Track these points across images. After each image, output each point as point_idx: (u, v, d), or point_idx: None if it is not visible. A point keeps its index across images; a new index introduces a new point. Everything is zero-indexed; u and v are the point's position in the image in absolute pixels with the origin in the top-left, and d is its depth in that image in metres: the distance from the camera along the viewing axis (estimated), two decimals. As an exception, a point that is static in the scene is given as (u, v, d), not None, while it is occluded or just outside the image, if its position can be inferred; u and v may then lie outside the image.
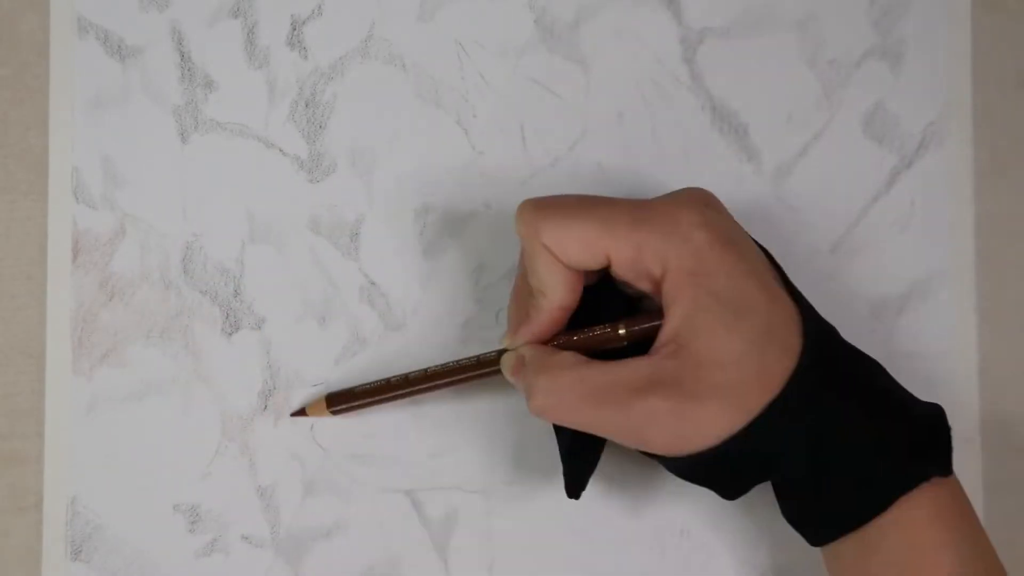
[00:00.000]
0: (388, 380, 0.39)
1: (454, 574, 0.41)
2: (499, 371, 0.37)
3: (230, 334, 0.41)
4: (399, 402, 0.40)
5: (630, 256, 0.34)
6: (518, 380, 0.36)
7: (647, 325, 0.35)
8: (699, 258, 0.33)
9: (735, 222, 0.35)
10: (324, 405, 0.40)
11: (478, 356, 0.38)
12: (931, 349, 0.41)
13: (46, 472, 0.41)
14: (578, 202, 0.35)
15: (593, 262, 0.34)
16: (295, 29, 0.42)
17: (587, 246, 0.34)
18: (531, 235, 0.35)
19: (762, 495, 0.36)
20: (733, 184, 0.42)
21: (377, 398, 0.39)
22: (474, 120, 0.42)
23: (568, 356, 0.34)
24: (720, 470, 0.34)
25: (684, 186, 0.37)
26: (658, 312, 0.34)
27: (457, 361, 0.38)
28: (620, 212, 0.34)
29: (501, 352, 0.37)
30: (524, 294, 0.37)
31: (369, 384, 0.40)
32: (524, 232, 0.35)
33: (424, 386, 0.39)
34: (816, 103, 0.42)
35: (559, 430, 0.37)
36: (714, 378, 0.32)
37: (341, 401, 0.40)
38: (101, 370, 0.41)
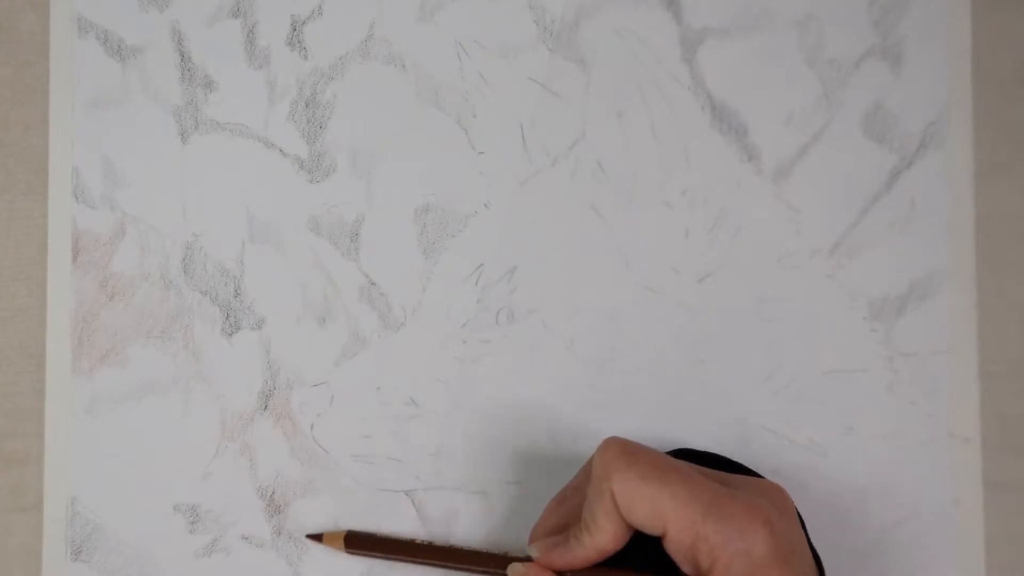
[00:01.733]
0: (412, 541, 0.39)
1: (454, 574, 0.41)
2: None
3: (230, 334, 0.41)
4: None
5: (686, 542, 0.33)
6: None
7: None
8: (750, 574, 0.32)
9: (801, 535, 0.34)
10: (342, 540, 0.40)
11: (506, 552, 0.37)
12: (931, 349, 0.41)
13: (46, 472, 0.41)
14: (659, 465, 0.34)
15: (651, 529, 0.34)
16: (295, 29, 0.42)
17: (652, 515, 0.33)
18: (604, 477, 0.34)
19: None
20: (733, 184, 0.42)
21: (395, 556, 0.39)
22: (474, 120, 0.42)
23: None
24: None
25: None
26: None
27: (487, 551, 0.38)
28: (693, 494, 0.33)
29: (526, 558, 0.36)
30: (569, 506, 0.36)
31: (391, 537, 0.40)
32: (599, 472, 0.34)
33: (442, 563, 0.38)
34: (816, 103, 0.42)
35: None
36: None
37: (360, 544, 0.40)
38: (101, 370, 0.41)
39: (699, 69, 0.42)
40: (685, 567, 0.33)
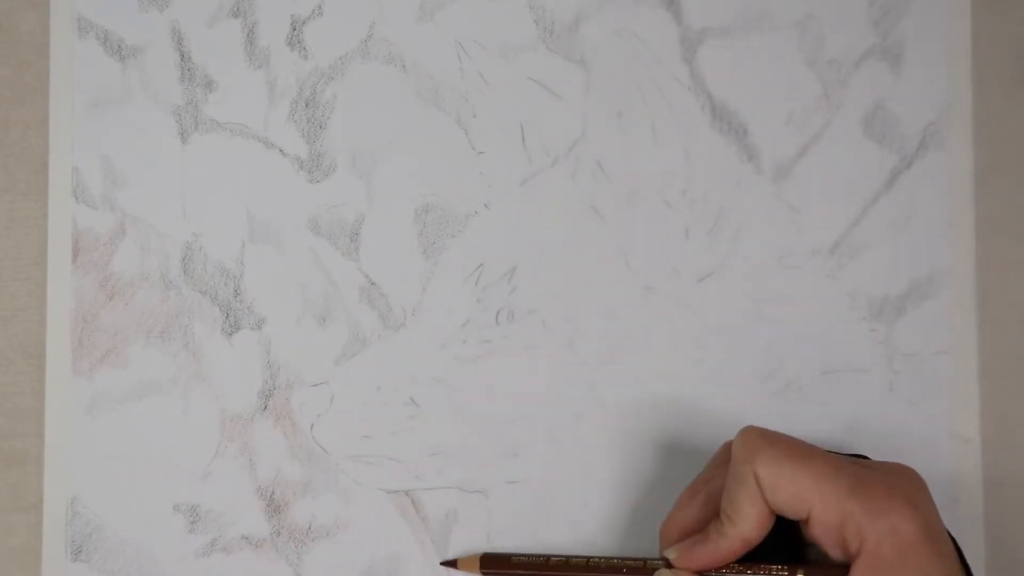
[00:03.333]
0: (548, 559, 0.39)
1: (455, 574, 0.41)
2: None
3: (230, 334, 0.41)
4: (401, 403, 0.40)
5: (832, 522, 0.33)
6: None
7: None
8: (900, 551, 0.32)
9: (938, 514, 0.34)
10: (477, 563, 0.39)
11: (644, 559, 0.37)
12: (931, 349, 0.41)
13: (46, 472, 0.41)
14: (800, 447, 0.34)
15: (795, 512, 0.33)
16: (295, 29, 0.42)
17: (796, 496, 0.33)
18: (747, 460, 0.34)
19: None
20: (733, 184, 0.42)
21: (532, 573, 0.39)
22: (474, 120, 0.42)
23: None
24: None
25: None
26: (840, 571, 0.33)
27: (622, 559, 0.37)
28: (836, 474, 0.33)
29: (665, 561, 0.36)
30: (697, 499, 0.36)
31: (527, 556, 0.39)
32: (741, 456, 0.34)
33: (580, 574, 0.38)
34: (816, 103, 0.42)
35: None
36: None
37: (496, 565, 0.39)
38: (101, 370, 0.41)
39: (699, 69, 0.42)
40: (831, 549, 0.33)
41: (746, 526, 0.34)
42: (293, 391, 0.41)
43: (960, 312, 0.42)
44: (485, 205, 0.42)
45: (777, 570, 0.34)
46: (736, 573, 0.35)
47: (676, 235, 0.42)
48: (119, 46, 0.42)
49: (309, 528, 0.41)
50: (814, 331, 0.41)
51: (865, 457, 0.37)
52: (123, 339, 0.41)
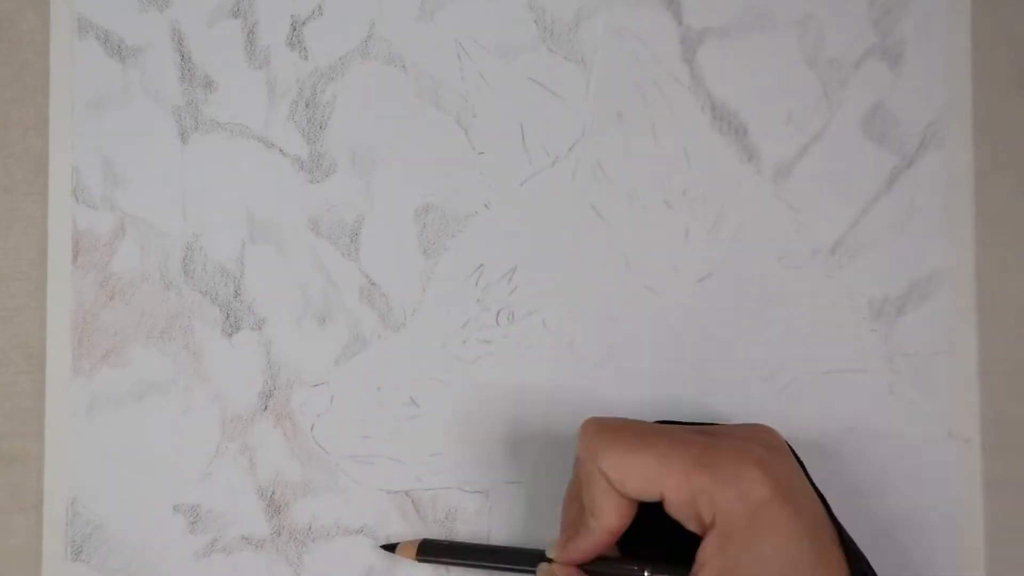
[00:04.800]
0: (484, 546, 0.40)
1: (454, 574, 0.41)
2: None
3: (230, 334, 0.41)
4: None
5: (685, 499, 0.33)
6: None
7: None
8: (753, 516, 0.32)
9: (797, 469, 0.34)
10: (414, 550, 0.40)
11: (533, 551, 0.38)
12: (931, 349, 0.41)
13: (46, 472, 0.41)
14: (641, 432, 0.34)
15: (649, 496, 0.34)
16: (295, 29, 0.42)
17: (644, 481, 0.33)
18: (590, 459, 0.34)
19: None
20: (733, 184, 0.42)
21: (468, 562, 0.40)
22: (474, 120, 0.42)
23: None
24: None
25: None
26: (687, 569, 0.33)
27: (523, 549, 0.39)
28: (682, 451, 0.33)
29: (542, 555, 0.37)
30: (576, 500, 0.36)
31: (464, 544, 0.40)
32: (584, 454, 0.34)
33: (506, 566, 0.39)
34: (816, 103, 0.42)
35: None
36: None
37: (432, 551, 0.40)
38: (101, 370, 0.41)
39: (699, 69, 0.42)
40: (690, 525, 0.33)
41: (607, 519, 0.34)
42: (293, 391, 0.41)
43: (960, 312, 0.42)
44: (485, 205, 0.42)
45: (628, 569, 0.35)
46: (597, 567, 0.36)
47: (676, 235, 0.42)
48: (119, 46, 0.42)
49: (309, 528, 0.41)
50: (814, 331, 0.41)
51: (717, 425, 0.37)
52: (123, 339, 0.41)
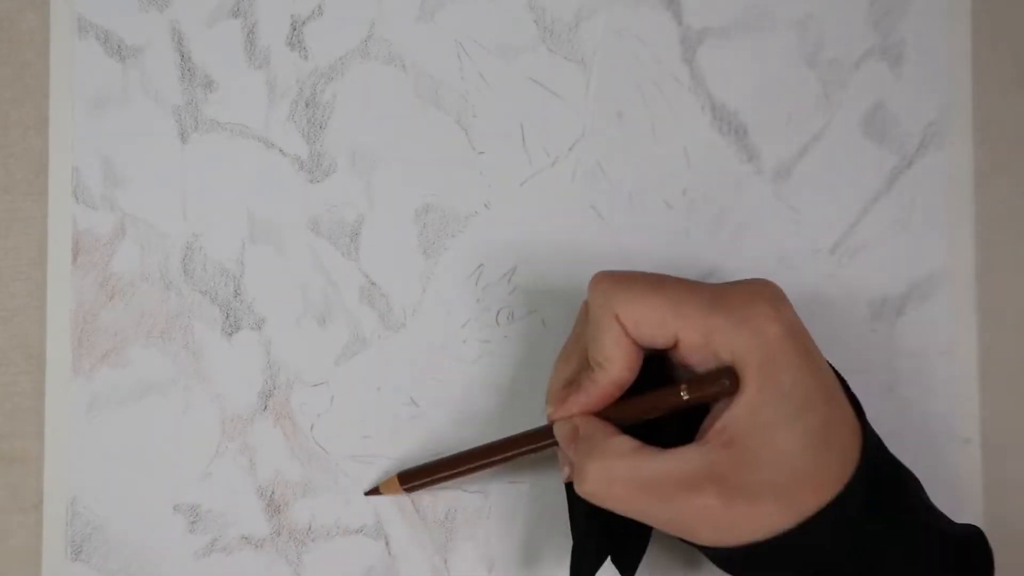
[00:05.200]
0: (456, 456, 0.39)
1: (454, 574, 0.41)
2: (554, 443, 0.36)
3: (230, 334, 0.41)
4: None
5: (699, 341, 0.33)
6: (571, 452, 0.35)
7: (712, 390, 0.33)
8: (769, 351, 0.32)
9: (799, 318, 0.35)
10: (397, 483, 0.40)
11: (537, 429, 0.38)
12: (931, 349, 0.41)
13: (46, 472, 0.41)
14: (653, 279, 0.35)
15: (662, 341, 0.34)
16: (295, 29, 0.42)
17: (659, 324, 0.33)
18: (604, 305, 0.34)
19: None
20: (733, 184, 0.42)
21: (446, 473, 0.39)
22: (474, 120, 0.42)
23: (623, 442, 0.34)
24: (761, 563, 0.33)
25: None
26: (719, 378, 0.33)
27: (514, 437, 0.38)
28: (694, 295, 0.34)
29: (549, 425, 0.37)
30: (572, 361, 0.36)
31: (437, 460, 0.40)
32: (598, 302, 0.34)
33: (485, 461, 0.39)
34: (816, 103, 0.42)
35: (575, 514, 0.37)
36: (769, 476, 0.32)
37: (414, 479, 0.40)
38: (101, 370, 0.41)
39: (699, 69, 0.42)
40: (707, 366, 0.34)
41: (615, 369, 0.34)
42: (293, 391, 0.41)
43: (960, 312, 0.42)
44: (485, 205, 0.42)
45: (662, 392, 0.34)
46: (626, 404, 0.35)
47: (676, 235, 0.42)
48: (119, 46, 0.42)
49: (309, 528, 0.41)
50: (814, 331, 0.41)
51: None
52: (123, 339, 0.41)
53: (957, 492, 0.41)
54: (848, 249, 0.42)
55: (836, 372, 0.35)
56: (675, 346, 0.34)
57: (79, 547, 0.41)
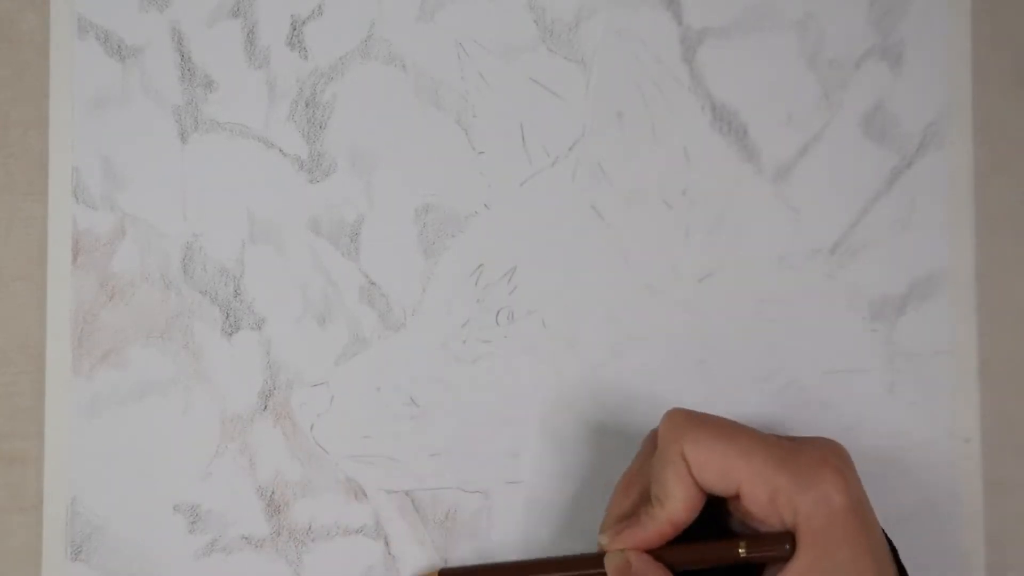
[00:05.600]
0: (500, 565, 0.39)
1: None
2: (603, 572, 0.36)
3: (230, 334, 0.41)
4: (399, 403, 0.40)
5: (764, 496, 0.33)
6: None
7: (770, 553, 0.33)
8: (831, 522, 0.32)
9: (863, 489, 0.35)
10: None
11: (588, 555, 0.37)
12: (931, 349, 0.41)
13: (46, 472, 0.41)
14: (727, 425, 0.35)
15: (725, 489, 0.34)
16: (295, 29, 0.42)
17: (724, 472, 0.33)
18: (674, 441, 0.34)
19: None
20: (733, 184, 0.42)
21: None
22: (474, 120, 0.42)
23: None
24: None
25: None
26: (779, 542, 0.33)
27: (571, 557, 0.38)
28: (764, 449, 0.33)
29: (601, 554, 0.36)
30: (633, 489, 0.36)
31: (481, 565, 0.40)
32: (668, 437, 0.34)
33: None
34: (816, 103, 0.42)
35: None
36: None
37: None
38: (101, 370, 0.41)
39: (699, 69, 0.42)
40: (764, 524, 0.34)
41: (675, 507, 0.34)
42: (293, 391, 0.41)
43: (960, 312, 0.42)
44: (485, 205, 0.42)
45: (721, 545, 0.34)
46: (682, 550, 0.35)
47: (676, 235, 0.42)
48: (119, 46, 0.42)
49: (309, 528, 0.41)
50: (814, 331, 0.41)
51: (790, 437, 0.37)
52: (123, 339, 0.41)
53: (957, 492, 0.41)
54: (848, 249, 0.42)
55: (888, 538, 0.35)
56: (736, 495, 0.34)
57: (79, 547, 0.41)
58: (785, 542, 0.33)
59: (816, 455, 0.33)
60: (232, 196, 0.42)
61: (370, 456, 0.41)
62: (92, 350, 0.41)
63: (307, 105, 0.42)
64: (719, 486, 0.34)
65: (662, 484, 0.34)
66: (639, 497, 0.36)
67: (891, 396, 0.41)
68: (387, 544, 0.41)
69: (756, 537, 0.34)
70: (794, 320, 0.41)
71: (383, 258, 0.42)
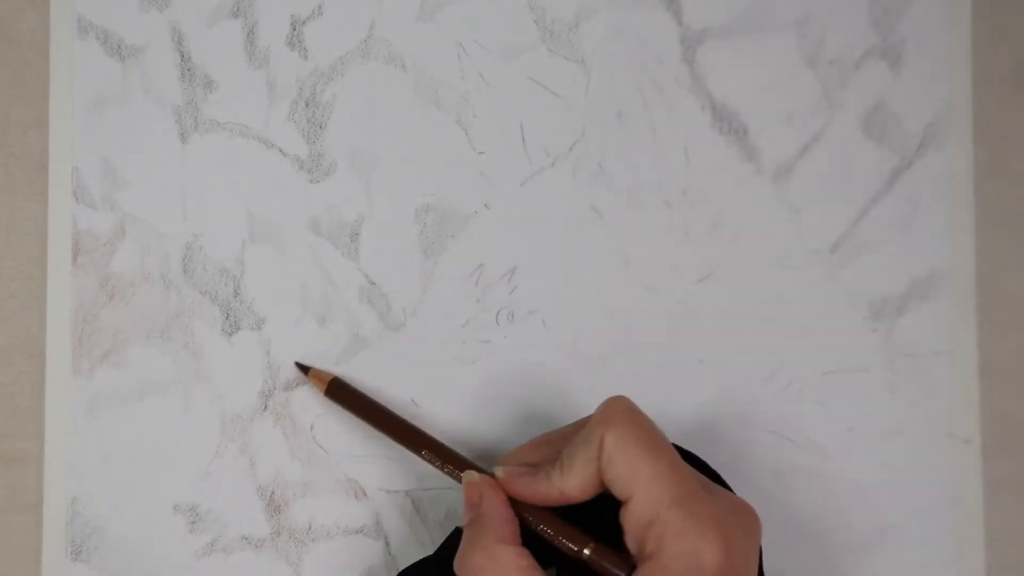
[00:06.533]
0: (389, 412, 0.39)
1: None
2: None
3: (230, 334, 0.41)
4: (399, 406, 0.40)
5: (645, 518, 0.32)
6: (466, 510, 0.35)
7: (610, 569, 0.33)
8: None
9: (756, 562, 0.33)
10: (324, 384, 0.40)
11: (471, 461, 0.38)
12: (931, 349, 0.41)
13: (46, 472, 0.41)
14: (656, 440, 0.33)
15: (620, 491, 0.33)
16: (295, 29, 0.42)
17: (627, 476, 0.32)
18: (602, 424, 0.33)
19: None
20: (733, 184, 0.42)
21: (369, 419, 0.39)
22: (474, 120, 0.42)
23: (510, 558, 0.33)
24: None
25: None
26: (622, 567, 0.33)
27: (455, 450, 0.38)
28: (674, 481, 0.32)
29: (488, 470, 0.36)
30: (547, 448, 0.36)
31: (370, 400, 0.40)
32: (599, 419, 0.34)
33: (407, 444, 0.39)
34: (816, 103, 0.42)
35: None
36: None
37: (340, 395, 0.40)
38: (101, 370, 0.41)
39: (699, 69, 0.42)
40: (630, 542, 0.33)
41: (572, 481, 0.34)
42: (293, 391, 0.41)
43: (960, 312, 0.42)
44: (485, 205, 0.42)
45: (571, 537, 0.34)
46: (541, 514, 0.35)
47: (676, 235, 0.42)
48: (119, 46, 0.42)
49: (309, 528, 0.41)
50: (814, 331, 0.41)
51: (727, 487, 0.37)
52: (123, 339, 0.41)
53: (957, 492, 0.41)
54: (848, 249, 0.42)
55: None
56: (625, 502, 0.33)
57: (79, 547, 0.41)
58: (626, 570, 0.32)
59: (716, 513, 0.32)
60: (232, 196, 0.42)
61: (370, 456, 0.41)
62: (92, 350, 0.41)
63: (307, 105, 0.42)
64: (616, 485, 0.33)
65: (571, 456, 0.34)
66: (546, 457, 0.35)
67: (891, 396, 0.41)
68: (387, 544, 0.41)
69: (606, 549, 0.33)
70: (794, 320, 0.41)
71: (383, 258, 0.42)
